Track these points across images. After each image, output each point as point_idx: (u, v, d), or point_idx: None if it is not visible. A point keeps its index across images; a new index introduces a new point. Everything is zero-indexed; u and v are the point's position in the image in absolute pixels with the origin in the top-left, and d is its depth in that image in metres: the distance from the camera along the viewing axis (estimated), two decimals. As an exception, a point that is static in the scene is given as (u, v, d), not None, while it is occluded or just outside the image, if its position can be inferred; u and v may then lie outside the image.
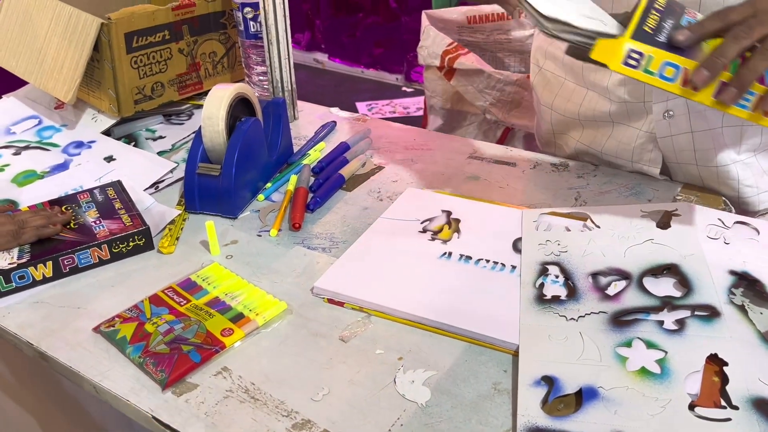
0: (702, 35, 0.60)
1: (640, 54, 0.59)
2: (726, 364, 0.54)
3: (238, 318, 0.64)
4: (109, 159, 0.94)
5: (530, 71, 0.96)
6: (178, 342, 0.62)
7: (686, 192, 0.81)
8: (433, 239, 0.74)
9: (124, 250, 0.74)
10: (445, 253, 0.72)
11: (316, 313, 0.66)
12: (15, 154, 0.97)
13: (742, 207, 0.83)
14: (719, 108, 0.60)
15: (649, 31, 0.60)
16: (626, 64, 0.60)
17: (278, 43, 1.00)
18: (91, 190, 0.82)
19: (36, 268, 0.70)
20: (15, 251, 0.71)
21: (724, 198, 0.80)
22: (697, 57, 0.59)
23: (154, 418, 0.56)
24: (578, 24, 0.61)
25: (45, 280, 0.71)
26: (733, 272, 0.64)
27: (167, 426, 0.55)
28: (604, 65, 0.61)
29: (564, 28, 0.61)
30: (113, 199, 0.80)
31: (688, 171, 0.82)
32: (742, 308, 0.60)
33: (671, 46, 0.60)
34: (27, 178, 0.91)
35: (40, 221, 0.73)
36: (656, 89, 0.76)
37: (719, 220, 0.71)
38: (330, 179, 0.86)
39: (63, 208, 0.78)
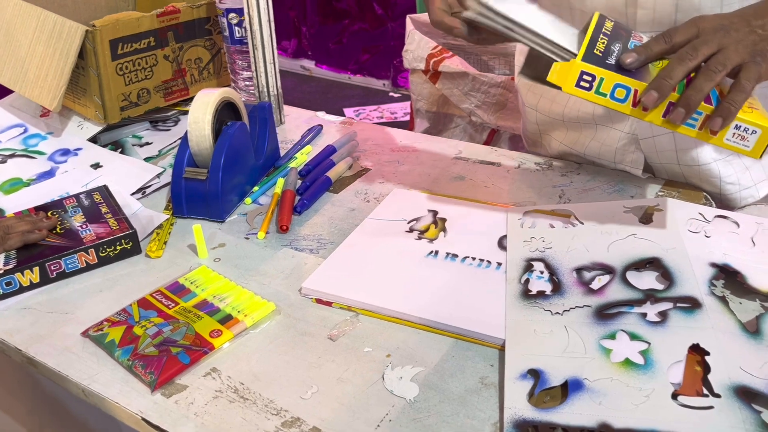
0: (648, 57, 0.62)
1: (592, 76, 0.61)
2: (708, 353, 0.55)
3: (227, 319, 0.65)
4: (96, 166, 0.95)
5: (514, 73, 0.97)
6: (167, 344, 0.62)
7: (668, 188, 0.83)
8: (419, 238, 0.75)
9: (111, 254, 0.74)
10: (431, 252, 0.72)
11: (305, 313, 0.66)
12: (1, 162, 0.97)
13: (724, 204, 0.84)
14: (669, 127, 0.62)
15: (599, 53, 0.61)
16: (579, 86, 0.61)
17: (263, 48, 1.00)
18: (77, 196, 0.82)
19: (23, 274, 0.70)
20: (1, 258, 0.71)
21: (705, 193, 0.82)
22: (645, 78, 0.61)
23: (143, 419, 0.56)
24: (524, 22, 0.62)
25: (32, 286, 0.71)
26: (713, 264, 0.65)
27: (157, 427, 0.55)
28: (558, 88, 0.62)
29: (490, 15, 0.63)
30: (99, 203, 0.81)
31: (671, 170, 0.84)
32: (723, 299, 0.61)
33: (620, 68, 0.61)
34: (13, 186, 0.91)
35: (26, 227, 0.73)
36: None
37: (700, 214, 0.73)
38: (317, 182, 0.87)
39: (49, 214, 0.78)
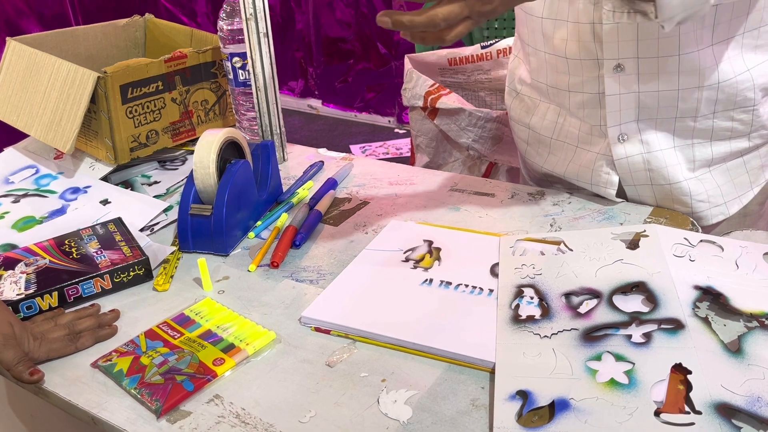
0: None
1: None
2: (690, 372, 0.57)
3: (230, 348, 0.67)
4: (105, 202, 0.99)
5: (506, 95, 1.01)
6: (172, 372, 0.64)
7: (656, 215, 0.85)
8: (415, 267, 0.78)
9: (125, 279, 0.78)
10: (426, 280, 0.75)
11: (304, 341, 0.69)
12: (14, 202, 1.02)
13: (695, 221, 0.87)
14: None
15: None
16: None
17: (266, 89, 1.05)
18: (92, 226, 0.87)
19: (42, 299, 0.74)
20: (22, 282, 0.74)
21: (692, 219, 0.84)
22: None
23: (149, 444, 0.58)
24: None
25: (51, 310, 0.74)
26: (697, 287, 0.67)
27: (162, 451, 0.57)
28: None
29: None
30: (114, 232, 0.85)
31: (643, 191, 0.87)
32: (706, 320, 0.63)
33: None
34: (26, 223, 0.95)
35: (91, 322, 0.71)
36: (610, 113, 0.82)
37: (685, 239, 0.75)
38: (309, 215, 0.90)
39: (66, 241, 0.82)
